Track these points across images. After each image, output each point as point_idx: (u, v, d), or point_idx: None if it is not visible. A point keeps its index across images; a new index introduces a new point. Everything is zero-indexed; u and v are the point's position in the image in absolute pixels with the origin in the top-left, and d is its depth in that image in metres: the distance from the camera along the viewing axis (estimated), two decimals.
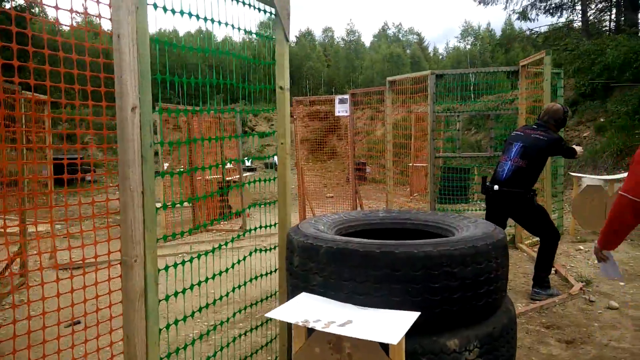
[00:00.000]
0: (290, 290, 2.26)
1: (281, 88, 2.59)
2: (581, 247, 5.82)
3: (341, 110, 7.85)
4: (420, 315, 1.77)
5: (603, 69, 10.37)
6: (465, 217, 2.55)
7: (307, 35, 73.32)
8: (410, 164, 10.16)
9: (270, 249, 3.07)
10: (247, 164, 23.92)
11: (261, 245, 3.42)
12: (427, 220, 2.64)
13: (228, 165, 10.10)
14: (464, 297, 1.91)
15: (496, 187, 4.10)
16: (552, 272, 4.85)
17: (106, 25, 1.86)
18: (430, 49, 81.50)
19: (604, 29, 16.88)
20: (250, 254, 2.97)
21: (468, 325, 1.94)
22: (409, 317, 1.73)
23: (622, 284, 4.49)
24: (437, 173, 11.12)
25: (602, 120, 10.24)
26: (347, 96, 7.80)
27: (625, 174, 2.46)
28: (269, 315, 1.85)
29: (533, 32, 16.65)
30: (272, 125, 26.32)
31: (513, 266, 5.00)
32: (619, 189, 2.39)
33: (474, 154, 6.76)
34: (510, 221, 4.49)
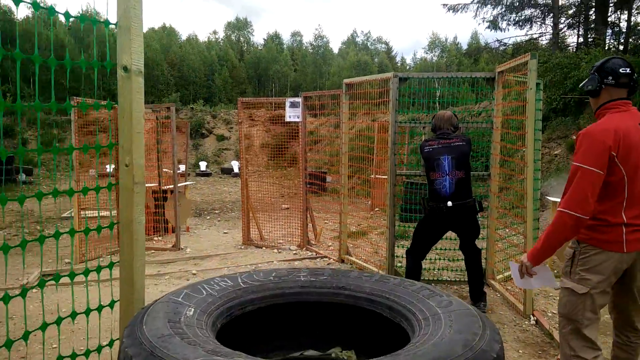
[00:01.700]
0: None
1: (125, 69, 1.54)
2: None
3: (292, 115, 6.84)
4: None
5: (576, 83, 9.79)
6: (433, 293, 1.58)
7: (275, 39, 72.17)
8: (373, 175, 9.28)
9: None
10: (203, 168, 22.61)
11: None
12: (374, 293, 1.67)
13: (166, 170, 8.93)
14: None
15: (449, 203, 4.00)
16: (533, 321, 4.05)
17: None
18: (398, 59, 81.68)
19: (571, 45, 16.61)
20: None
21: None
22: None
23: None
24: (398, 187, 10.31)
25: (574, 137, 9.64)
26: (299, 99, 6.81)
27: None
28: None
29: (502, 43, 16.18)
30: (232, 128, 25.07)
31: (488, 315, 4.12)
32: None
33: None
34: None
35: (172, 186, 9.20)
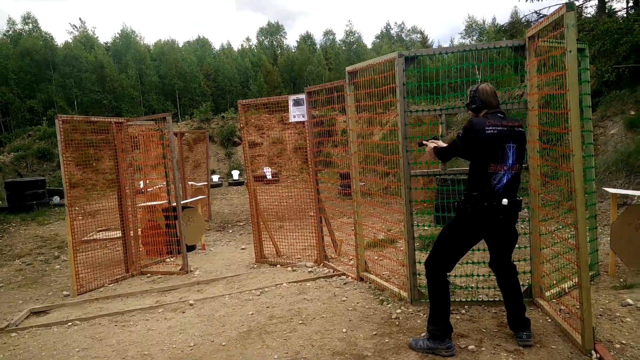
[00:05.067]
0: None
1: None
2: (630, 301, 3.93)
3: (297, 114, 6.05)
4: None
5: (630, 50, 8.45)
6: None
7: (307, 40, 71.66)
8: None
9: None
10: (235, 177, 22.19)
11: None
12: None
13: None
14: None
15: (505, 201, 3.22)
16: (596, 357, 3.07)
17: None
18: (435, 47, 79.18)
19: (620, 10, 14.87)
20: None
21: None
22: None
23: None
24: (431, 188, 9.28)
25: (632, 113, 8.32)
26: (302, 96, 6.00)
27: None
28: None
29: (541, 15, 14.67)
30: (263, 134, 24.58)
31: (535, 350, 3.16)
32: None
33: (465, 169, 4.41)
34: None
35: (187, 201, 8.63)
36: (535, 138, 3.91)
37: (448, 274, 3.48)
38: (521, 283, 4.32)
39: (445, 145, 3.65)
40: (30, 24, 56.08)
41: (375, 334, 3.76)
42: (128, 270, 6.99)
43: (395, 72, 4.08)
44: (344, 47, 73.68)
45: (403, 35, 79.38)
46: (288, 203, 7.62)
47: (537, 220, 3.99)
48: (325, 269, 6.01)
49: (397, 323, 3.95)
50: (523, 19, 16.82)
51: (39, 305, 5.64)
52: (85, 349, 4.06)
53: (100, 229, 9.27)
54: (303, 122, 6.05)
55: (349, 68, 4.96)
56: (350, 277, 5.43)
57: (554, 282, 4.18)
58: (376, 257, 5.78)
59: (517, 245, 3.57)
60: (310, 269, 6.07)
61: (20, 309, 5.56)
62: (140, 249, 7.59)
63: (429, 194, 8.75)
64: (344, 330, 3.88)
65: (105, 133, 7.04)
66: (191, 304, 5.04)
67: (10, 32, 55.51)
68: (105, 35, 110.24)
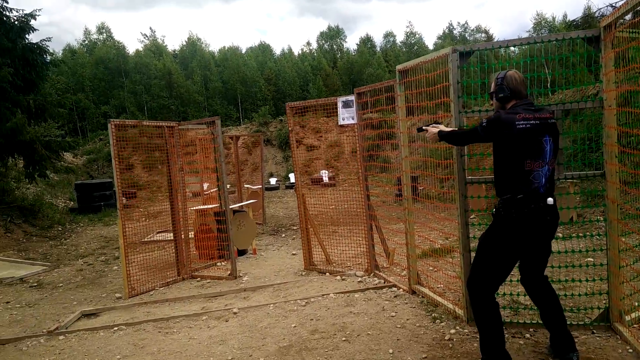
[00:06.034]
0: None
1: None
2: None
3: (346, 116, 5.79)
4: None
5: None
6: None
7: (367, 42, 71.21)
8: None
9: None
10: (293, 180, 22.21)
11: None
12: None
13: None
14: None
15: (550, 200, 2.92)
16: None
17: None
18: (515, 48, 76.03)
19: None
20: None
21: None
22: None
23: None
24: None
25: None
26: (352, 97, 5.74)
27: None
28: None
29: (615, 7, 13.46)
30: (321, 137, 24.50)
31: None
32: None
33: None
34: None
35: (237, 205, 8.60)
36: (614, 141, 3.42)
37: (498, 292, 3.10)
38: (597, 305, 3.82)
39: (448, 129, 3.37)
40: (105, 34, 59.66)
41: (425, 358, 3.42)
42: (179, 273, 7.02)
43: (449, 69, 3.72)
44: (404, 49, 72.52)
45: (467, 35, 76.93)
46: (343, 207, 7.38)
47: (616, 235, 3.48)
48: (375, 279, 5.69)
49: (450, 346, 3.58)
50: (597, 13, 15.58)
51: (90, 307, 5.73)
52: (125, 357, 4.01)
53: (159, 230, 9.48)
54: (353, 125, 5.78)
55: (399, 66, 4.64)
56: (401, 290, 5.09)
57: (636, 304, 3.64)
58: (431, 269, 5.40)
59: (592, 262, 3.14)
60: (360, 279, 5.78)
61: (74, 310, 5.67)
62: (193, 252, 7.62)
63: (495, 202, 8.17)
64: (390, 351, 3.56)
65: (170, 137, 7.08)
66: (235, 313, 4.90)
67: (86, 42, 59.33)
68: (173, 43, 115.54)
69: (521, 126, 2.85)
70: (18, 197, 13.67)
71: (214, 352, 3.91)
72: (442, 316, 4.17)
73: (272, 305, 5.02)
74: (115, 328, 4.75)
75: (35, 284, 7.24)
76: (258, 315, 4.74)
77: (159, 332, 4.58)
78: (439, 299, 4.49)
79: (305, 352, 3.70)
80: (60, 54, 51.66)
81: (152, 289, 6.43)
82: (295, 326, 4.30)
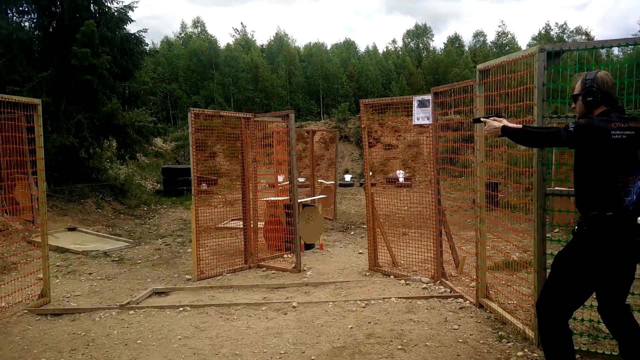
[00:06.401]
0: None
1: None
2: None
3: (421, 116, 5.59)
4: None
5: None
6: None
7: (455, 41, 68.92)
8: (551, 188, 7.25)
9: None
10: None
11: None
12: None
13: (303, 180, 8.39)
14: None
15: None
16: None
17: None
18: (603, 50, 70.43)
19: None
20: None
21: None
22: None
23: None
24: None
25: None
26: (428, 97, 5.52)
27: None
28: None
29: None
30: (400, 136, 24.09)
31: None
32: None
33: None
34: None
35: (307, 199, 8.65)
36: None
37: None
38: None
39: (516, 125, 3.00)
40: (199, 28, 62.79)
41: None
42: (246, 261, 7.19)
43: (534, 70, 3.43)
44: (494, 49, 69.28)
45: (565, 37, 71.96)
46: (415, 209, 7.16)
47: None
48: (441, 287, 5.45)
49: None
50: None
51: (162, 286, 6.02)
52: (186, 337, 4.14)
53: (233, 217, 9.80)
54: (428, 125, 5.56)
55: (480, 65, 4.37)
56: (467, 302, 4.83)
57: None
58: (502, 283, 5.06)
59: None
60: (424, 285, 5.57)
61: (147, 286, 5.99)
62: (262, 242, 7.77)
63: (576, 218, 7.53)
64: None
65: (245, 128, 7.26)
66: (294, 306, 4.91)
67: (182, 35, 62.79)
68: (261, 38, 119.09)
69: (617, 136, 2.54)
70: (110, 177, 14.78)
71: (268, 344, 3.93)
72: (510, 336, 3.89)
73: (331, 303, 4.96)
74: (181, 309, 4.94)
75: (117, 259, 7.76)
76: (316, 312, 4.71)
77: (220, 317, 4.70)
78: (508, 316, 4.19)
79: (359, 355, 3.61)
80: (158, 45, 55.22)
81: (220, 274, 6.64)
82: (351, 327, 4.21)
